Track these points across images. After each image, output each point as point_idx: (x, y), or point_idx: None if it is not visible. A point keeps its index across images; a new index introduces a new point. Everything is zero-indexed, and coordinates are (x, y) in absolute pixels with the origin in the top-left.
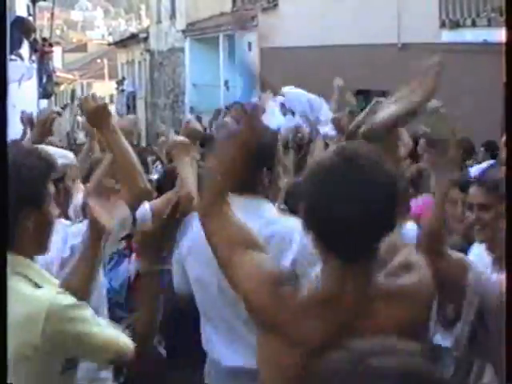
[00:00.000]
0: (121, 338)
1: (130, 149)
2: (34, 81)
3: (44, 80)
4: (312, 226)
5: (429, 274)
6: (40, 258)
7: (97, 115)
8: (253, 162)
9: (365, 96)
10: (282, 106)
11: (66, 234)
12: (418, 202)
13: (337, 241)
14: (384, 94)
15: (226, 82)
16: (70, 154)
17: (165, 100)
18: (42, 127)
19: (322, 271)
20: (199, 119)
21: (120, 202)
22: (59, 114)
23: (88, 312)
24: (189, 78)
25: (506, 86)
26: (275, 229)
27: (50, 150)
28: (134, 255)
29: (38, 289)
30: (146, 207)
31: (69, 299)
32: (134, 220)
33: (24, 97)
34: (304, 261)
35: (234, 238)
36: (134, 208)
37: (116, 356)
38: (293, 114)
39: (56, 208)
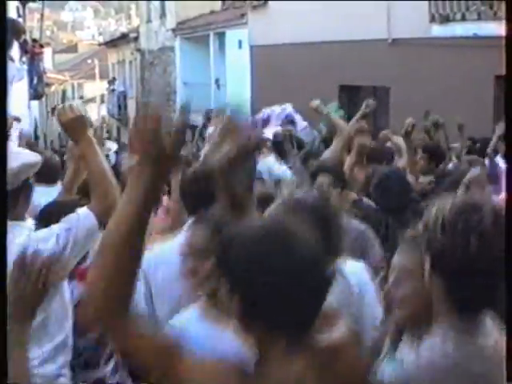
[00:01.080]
0: None
1: (104, 161)
2: (25, 82)
3: (35, 81)
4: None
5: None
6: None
7: (73, 127)
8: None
9: (355, 92)
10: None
11: (29, 239)
12: None
13: (281, 323)
14: (374, 89)
15: (217, 80)
16: (34, 155)
17: (156, 99)
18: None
19: (263, 353)
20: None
21: (87, 211)
22: (18, 119)
23: None
24: (179, 77)
25: (506, 81)
26: None
27: (17, 150)
28: (75, 282)
29: None
30: None
31: None
32: None
33: (15, 98)
34: None
35: (159, 346)
36: (103, 220)
37: None
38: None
39: None
